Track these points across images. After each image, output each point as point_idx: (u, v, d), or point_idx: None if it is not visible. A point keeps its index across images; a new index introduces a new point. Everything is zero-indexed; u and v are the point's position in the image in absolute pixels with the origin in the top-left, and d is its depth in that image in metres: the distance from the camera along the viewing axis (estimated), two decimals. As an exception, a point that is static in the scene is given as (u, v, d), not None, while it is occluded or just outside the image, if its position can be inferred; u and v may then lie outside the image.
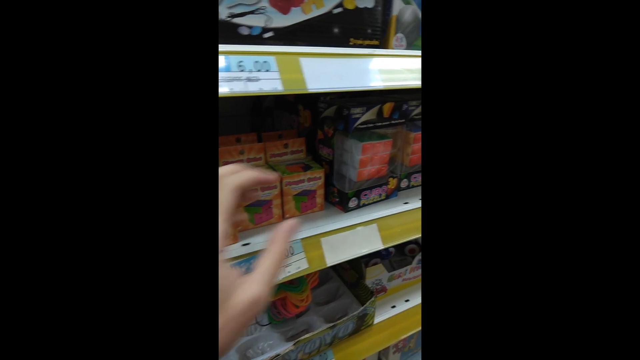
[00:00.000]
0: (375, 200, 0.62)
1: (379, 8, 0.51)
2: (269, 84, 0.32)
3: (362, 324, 0.66)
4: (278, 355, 0.55)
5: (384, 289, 0.78)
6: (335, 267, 0.82)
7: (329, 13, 0.47)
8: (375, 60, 0.43)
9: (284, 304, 0.62)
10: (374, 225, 0.57)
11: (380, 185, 0.61)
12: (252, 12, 0.41)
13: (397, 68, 0.45)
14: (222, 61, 0.34)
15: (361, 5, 0.49)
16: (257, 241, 0.49)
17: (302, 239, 0.51)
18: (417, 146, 0.64)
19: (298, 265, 0.49)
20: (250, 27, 0.41)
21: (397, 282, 0.80)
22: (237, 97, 0.37)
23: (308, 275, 0.65)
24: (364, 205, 0.61)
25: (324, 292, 0.75)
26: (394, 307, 0.76)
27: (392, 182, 0.63)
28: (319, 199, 0.59)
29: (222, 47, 0.35)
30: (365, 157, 0.57)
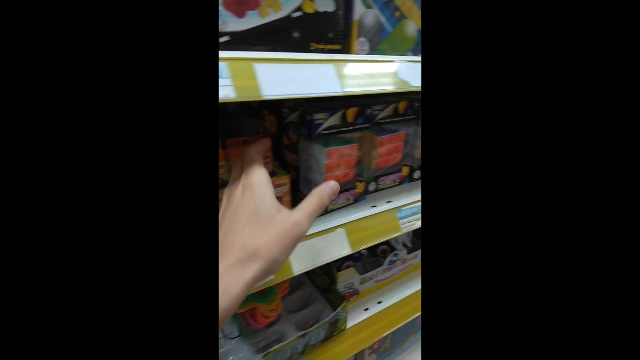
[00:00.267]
0: (343, 205, 0.61)
1: (340, 12, 0.50)
2: (221, 91, 0.31)
3: (335, 329, 0.65)
4: (247, 369, 0.53)
5: (356, 292, 0.77)
6: (307, 273, 0.81)
7: (288, 17, 0.46)
8: (335, 65, 0.43)
9: (253, 315, 0.61)
10: (342, 230, 0.57)
11: (347, 190, 0.61)
12: (205, 16, 0.39)
13: (357, 73, 0.44)
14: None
15: (321, 9, 0.49)
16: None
17: (268, 248, 0.49)
18: (384, 149, 0.65)
19: (264, 276, 0.48)
20: (203, 31, 0.39)
21: (370, 285, 0.80)
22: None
23: (277, 284, 0.63)
24: (332, 210, 0.60)
25: (296, 299, 0.74)
26: (367, 309, 0.76)
27: (360, 186, 0.63)
28: (286, 206, 0.58)
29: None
30: (332, 162, 0.56)
